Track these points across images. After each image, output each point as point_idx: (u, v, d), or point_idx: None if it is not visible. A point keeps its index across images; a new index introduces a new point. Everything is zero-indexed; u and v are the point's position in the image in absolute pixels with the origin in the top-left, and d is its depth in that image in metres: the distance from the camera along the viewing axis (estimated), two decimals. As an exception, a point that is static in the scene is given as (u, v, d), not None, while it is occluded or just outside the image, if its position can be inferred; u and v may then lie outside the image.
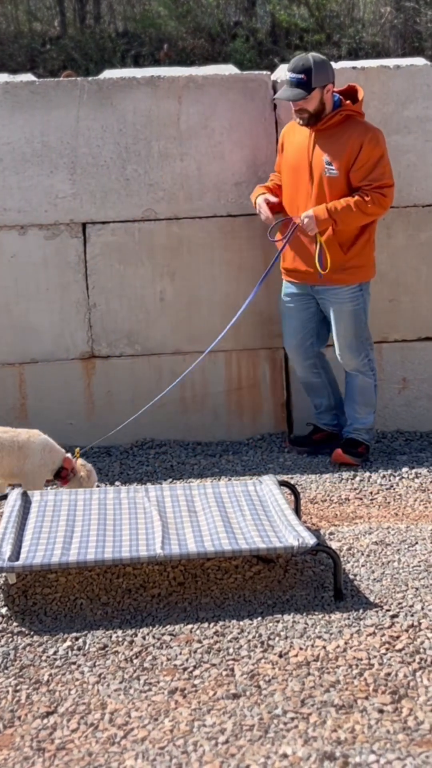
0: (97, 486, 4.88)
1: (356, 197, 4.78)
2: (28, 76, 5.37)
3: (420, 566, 3.90)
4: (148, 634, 3.43)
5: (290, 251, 5.03)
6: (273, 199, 5.00)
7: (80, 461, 4.56)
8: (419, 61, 5.43)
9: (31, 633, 3.47)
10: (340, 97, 4.86)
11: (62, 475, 4.49)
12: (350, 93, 4.89)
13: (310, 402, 5.39)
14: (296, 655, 3.24)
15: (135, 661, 3.26)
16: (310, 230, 4.82)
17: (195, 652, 3.29)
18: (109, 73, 5.41)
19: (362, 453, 5.19)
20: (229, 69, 5.37)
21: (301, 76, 4.70)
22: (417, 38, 15.30)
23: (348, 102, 4.83)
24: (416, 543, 4.14)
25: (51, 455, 4.49)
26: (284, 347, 5.35)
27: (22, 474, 4.46)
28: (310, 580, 3.83)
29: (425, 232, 5.43)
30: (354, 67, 5.25)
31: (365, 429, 5.21)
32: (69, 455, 4.54)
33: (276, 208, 5.00)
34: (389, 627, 3.40)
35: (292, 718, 2.87)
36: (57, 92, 5.13)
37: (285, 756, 2.69)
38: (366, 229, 4.94)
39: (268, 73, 5.32)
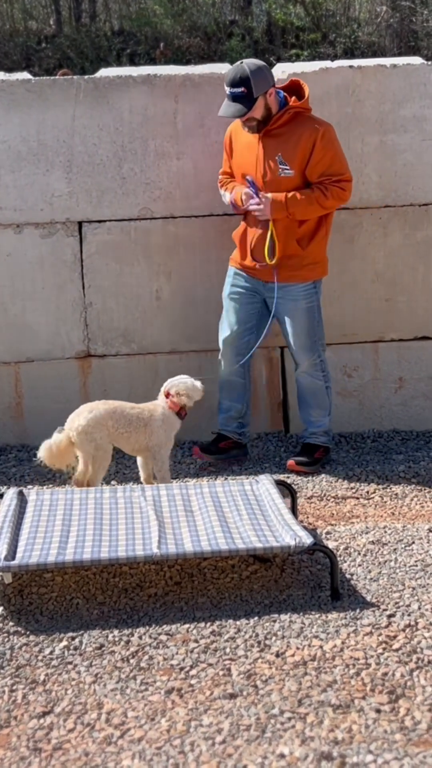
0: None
1: (316, 191, 4.71)
2: (24, 75, 5.35)
3: (417, 566, 3.90)
4: (144, 633, 3.42)
5: (250, 245, 4.92)
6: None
7: (173, 397, 4.70)
8: (416, 60, 5.42)
9: (28, 632, 3.46)
10: (285, 94, 4.77)
11: (182, 415, 4.73)
12: (294, 89, 4.80)
13: (220, 405, 5.23)
14: (293, 655, 3.24)
15: (131, 660, 3.25)
16: (263, 214, 4.72)
17: (192, 651, 3.29)
18: (105, 72, 5.39)
19: (319, 457, 5.11)
20: (225, 68, 5.34)
21: (241, 89, 4.58)
22: (413, 37, 15.30)
23: (293, 98, 4.73)
24: (413, 542, 4.14)
25: (170, 424, 4.70)
26: (219, 341, 5.14)
27: (153, 450, 4.66)
28: (307, 580, 3.83)
29: (422, 231, 5.42)
30: (351, 66, 5.24)
31: (321, 431, 5.14)
32: (169, 401, 4.70)
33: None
34: (386, 626, 3.40)
35: (289, 718, 2.87)
36: (53, 91, 5.11)
37: (282, 756, 2.69)
38: (323, 225, 4.88)
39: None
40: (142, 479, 4.78)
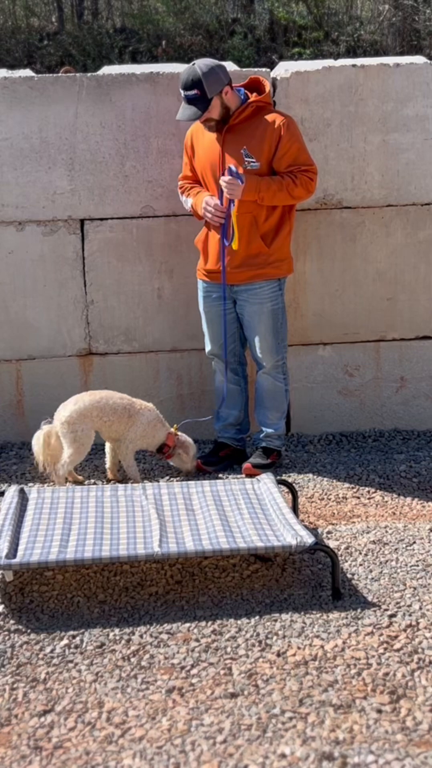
0: (95, 484, 4.88)
1: (286, 178, 4.67)
2: (27, 72, 5.34)
3: (418, 565, 3.90)
4: (145, 632, 3.42)
5: (214, 252, 4.87)
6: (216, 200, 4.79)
7: (182, 436, 4.95)
8: (419, 59, 5.41)
9: (28, 631, 3.45)
10: (245, 91, 4.76)
11: (164, 451, 4.90)
12: (255, 86, 4.79)
13: (218, 414, 5.21)
14: (294, 655, 3.23)
15: (132, 659, 3.25)
16: (234, 193, 4.60)
17: (193, 650, 3.28)
18: (108, 69, 5.38)
19: (274, 461, 5.07)
20: (228, 66, 5.34)
21: (194, 91, 4.55)
22: (415, 36, 15.28)
23: (254, 94, 4.71)
24: (414, 542, 4.14)
25: (154, 431, 4.85)
26: (206, 354, 5.15)
27: (123, 439, 4.82)
28: (308, 579, 3.82)
29: (424, 231, 5.42)
30: (354, 65, 5.23)
31: (276, 435, 5.09)
32: (171, 430, 4.91)
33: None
34: (387, 626, 3.40)
35: (291, 718, 2.87)
36: (56, 88, 5.11)
37: (283, 756, 2.68)
38: (286, 221, 4.83)
39: (268, 70, 5.30)
40: (107, 466, 4.95)
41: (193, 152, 4.92)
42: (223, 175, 4.67)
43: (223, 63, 4.83)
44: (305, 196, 4.76)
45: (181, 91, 4.61)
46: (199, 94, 4.55)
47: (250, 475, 4.84)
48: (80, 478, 4.92)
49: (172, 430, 4.92)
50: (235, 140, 4.71)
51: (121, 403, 4.81)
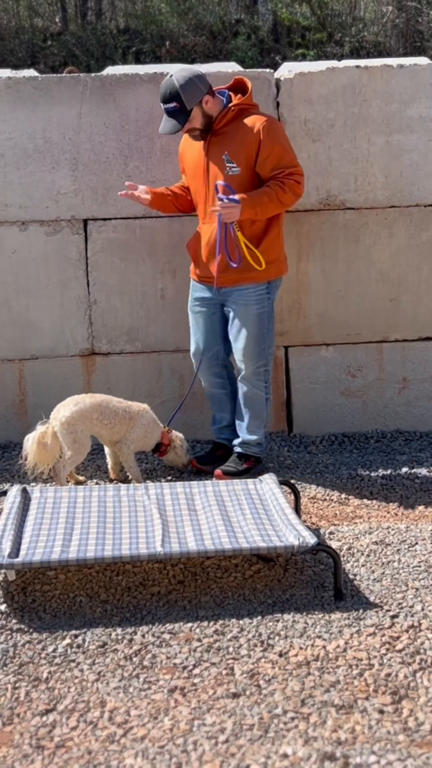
0: (97, 484, 4.88)
1: (273, 186, 4.57)
2: (31, 72, 5.34)
3: (420, 566, 3.90)
4: (147, 632, 3.42)
5: (203, 254, 4.82)
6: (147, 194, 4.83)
7: (174, 433, 4.99)
8: (423, 60, 5.41)
9: (31, 630, 3.46)
10: (230, 93, 4.70)
11: (161, 450, 4.95)
12: (239, 87, 4.72)
13: (213, 416, 5.23)
14: (296, 655, 3.23)
15: (134, 659, 3.25)
16: (231, 216, 4.54)
17: (195, 650, 3.28)
18: (111, 70, 5.38)
19: (249, 467, 4.97)
20: (232, 66, 5.35)
21: (173, 104, 4.52)
22: (419, 38, 15.28)
23: (238, 96, 4.66)
24: (416, 543, 4.13)
25: (152, 431, 4.90)
26: (191, 356, 5.10)
27: (124, 440, 4.84)
28: (310, 580, 3.82)
29: (427, 232, 5.42)
30: (357, 66, 5.23)
31: (255, 442, 4.99)
32: (164, 429, 4.95)
33: (168, 206, 4.93)
34: (389, 627, 3.40)
35: (293, 718, 2.87)
36: (60, 88, 5.11)
37: (285, 756, 2.68)
38: (274, 225, 4.75)
39: (271, 71, 5.30)
40: (109, 466, 4.97)
41: (184, 163, 4.92)
42: (217, 192, 4.62)
43: (227, 63, 4.83)
44: (295, 200, 4.69)
45: (161, 104, 4.60)
46: (177, 106, 4.52)
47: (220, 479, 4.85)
48: (81, 478, 4.93)
49: (165, 428, 4.95)
50: (218, 146, 4.67)
51: (120, 406, 4.83)
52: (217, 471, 4.96)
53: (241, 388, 4.94)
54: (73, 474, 4.87)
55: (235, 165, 4.61)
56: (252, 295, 4.78)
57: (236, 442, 5.05)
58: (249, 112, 4.67)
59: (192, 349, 5.07)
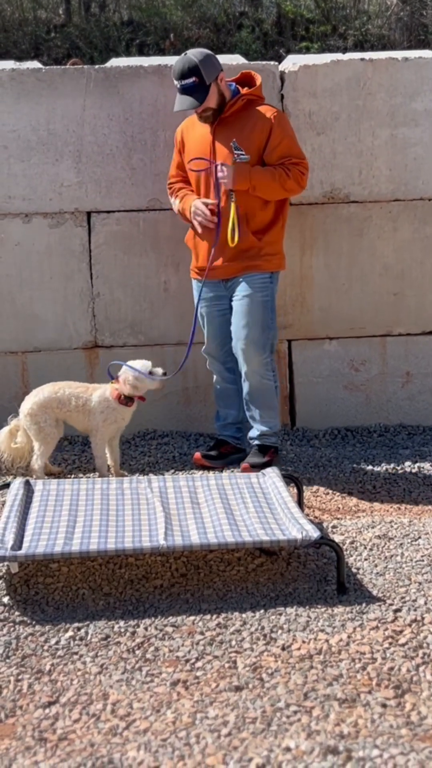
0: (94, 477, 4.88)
1: (278, 168, 4.62)
2: (35, 64, 5.33)
3: (423, 561, 3.89)
4: (150, 625, 3.42)
5: (204, 250, 4.83)
6: (210, 201, 4.75)
7: (127, 374, 4.72)
8: (427, 53, 5.39)
9: (33, 622, 3.46)
10: (236, 85, 4.74)
11: (131, 401, 4.77)
12: (246, 81, 4.76)
13: (217, 412, 5.17)
14: (299, 648, 3.23)
15: (137, 652, 3.25)
16: (226, 182, 4.59)
17: (197, 643, 3.28)
18: (116, 62, 5.37)
19: (271, 459, 4.90)
20: (236, 59, 5.33)
21: (192, 79, 4.51)
22: (423, 31, 15.23)
23: (245, 89, 4.69)
24: (419, 537, 4.13)
25: (113, 413, 4.75)
26: (203, 352, 5.09)
27: (91, 431, 4.79)
28: (313, 573, 3.82)
29: (431, 226, 5.40)
30: (362, 59, 5.22)
31: (271, 432, 4.94)
32: (113, 386, 4.76)
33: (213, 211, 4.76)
34: (392, 621, 3.40)
35: (295, 712, 2.86)
36: (63, 80, 5.10)
37: (288, 749, 2.68)
38: (279, 216, 4.78)
39: (276, 63, 5.29)
40: (109, 463, 4.90)
41: (183, 146, 4.87)
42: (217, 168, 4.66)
43: (231, 56, 4.84)
44: (297, 190, 4.71)
45: (177, 82, 4.56)
46: (197, 81, 4.50)
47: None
48: (56, 470, 4.93)
49: (113, 384, 4.76)
50: (225, 133, 4.66)
51: (75, 392, 4.75)
52: (244, 464, 4.87)
53: (250, 383, 4.86)
54: (48, 465, 4.86)
55: (243, 152, 4.60)
56: (257, 282, 4.76)
57: (254, 435, 4.97)
58: (258, 103, 4.69)
59: (204, 348, 5.06)
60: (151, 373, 4.70)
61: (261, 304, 4.77)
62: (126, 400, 4.70)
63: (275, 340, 4.89)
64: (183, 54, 4.60)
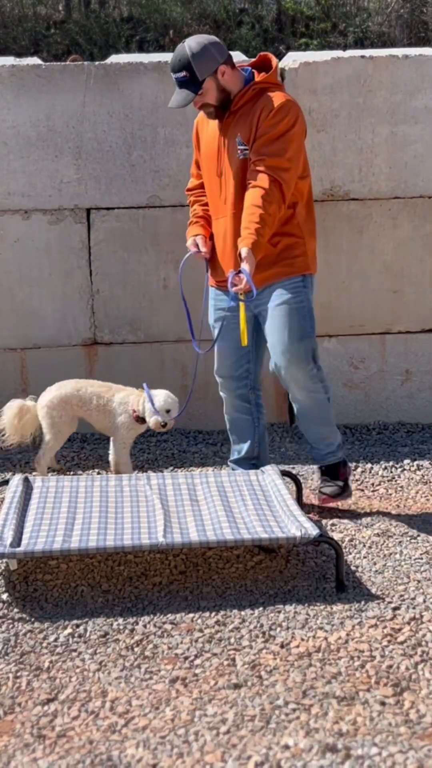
0: (98, 473, 4.88)
1: (251, 209, 3.91)
2: (34, 60, 5.32)
3: (422, 558, 3.90)
4: (149, 622, 3.42)
5: (219, 254, 4.27)
6: (202, 248, 4.27)
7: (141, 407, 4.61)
8: (428, 51, 5.38)
9: (32, 619, 3.46)
10: (253, 70, 4.16)
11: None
12: (263, 64, 4.18)
13: (231, 445, 4.62)
14: (298, 646, 3.23)
15: (136, 649, 3.25)
16: (253, 264, 3.91)
17: (196, 641, 3.28)
18: (115, 58, 5.36)
19: (345, 477, 4.46)
20: (236, 56, 5.32)
21: (183, 73, 3.99)
22: (423, 28, 15.24)
23: (263, 74, 4.10)
24: (418, 535, 4.14)
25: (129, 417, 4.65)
26: (215, 373, 4.51)
27: (113, 435, 4.72)
28: (312, 571, 3.82)
29: (431, 223, 5.40)
30: (362, 56, 5.21)
31: (336, 446, 4.46)
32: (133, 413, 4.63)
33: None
34: (391, 619, 3.40)
35: (294, 709, 2.87)
36: (63, 76, 5.09)
37: (287, 747, 2.68)
38: (296, 212, 4.15)
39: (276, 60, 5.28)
40: (110, 458, 4.81)
41: (199, 142, 4.39)
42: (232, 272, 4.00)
43: (231, 53, 4.54)
44: (282, 204, 4.02)
45: (172, 75, 4.09)
46: (187, 76, 4.00)
47: (328, 505, 4.49)
48: (57, 466, 4.92)
49: (138, 395, 4.61)
50: (233, 127, 4.12)
51: (97, 392, 4.66)
52: (324, 497, 4.46)
53: (299, 403, 4.31)
54: (52, 459, 4.85)
55: (246, 147, 4.05)
56: (287, 287, 4.16)
57: (317, 457, 4.48)
58: (270, 90, 4.07)
59: (215, 368, 4.48)
60: (168, 411, 4.50)
61: (296, 311, 4.14)
62: (140, 419, 4.61)
63: (316, 347, 4.27)
64: (182, 42, 4.08)
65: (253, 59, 4.29)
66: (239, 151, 4.08)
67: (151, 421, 4.51)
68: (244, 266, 3.89)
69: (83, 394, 4.67)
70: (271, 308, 4.17)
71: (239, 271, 3.92)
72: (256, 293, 3.98)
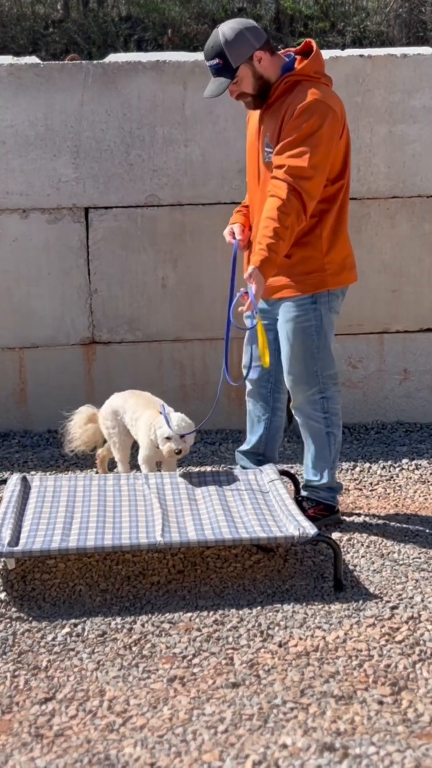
0: (96, 473, 4.87)
1: (266, 221, 3.70)
2: (33, 59, 5.32)
3: (420, 558, 3.90)
4: (147, 621, 3.42)
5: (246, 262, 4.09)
6: (238, 236, 4.07)
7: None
8: (426, 50, 5.39)
9: (30, 619, 3.46)
10: (296, 56, 3.88)
11: None
12: (308, 51, 3.88)
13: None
14: (296, 645, 3.23)
15: (134, 648, 3.25)
16: (260, 284, 3.72)
17: (194, 640, 3.28)
18: (114, 57, 5.35)
19: (315, 516, 4.15)
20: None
21: (216, 61, 3.76)
22: (422, 28, 15.24)
23: (303, 62, 3.82)
24: (416, 535, 4.14)
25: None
26: (242, 367, 4.32)
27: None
28: (310, 570, 3.82)
29: (429, 223, 5.40)
30: (361, 55, 5.21)
31: (320, 486, 4.20)
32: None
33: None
34: (389, 618, 3.40)
35: (292, 708, 2.87)
36: (62, 75, 5.09)
37: (285, 746, 2.68)
38: (320, 223, 3.90)
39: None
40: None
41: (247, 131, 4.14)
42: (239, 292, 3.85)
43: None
44: (302, 215, 3.75)
45: (205, 63, 3.86)
46: (221, 63, 3.76)
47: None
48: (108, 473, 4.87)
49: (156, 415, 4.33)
50: (267, 125, 3.87)
51: (135, 406, 4.46)
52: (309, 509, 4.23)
53: (298, 419, 4.21)
54: (104, 465, 4.79)
55: (272, 150, 3.81)
56: (295, 305, 3.99)
57: (303, 483, 4.34)
58: (309, 83, 3.76)
59: (243, 358, 4.31)
60: (182, 437, 4.17)
61: (300, 332, 3.98)
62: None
63: (329, 372, 4.09)
64: (217, 27, 3.84)
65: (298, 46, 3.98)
66: (266, 154, 3.86)
67: (164, 448, 4.18)
68: (251, 287, 3.71)
69: (127, 406, 4.51)
70: (280, 325, 4.06)
71: (247, 291, 3.75)
72: (267, 306, 3.97)
